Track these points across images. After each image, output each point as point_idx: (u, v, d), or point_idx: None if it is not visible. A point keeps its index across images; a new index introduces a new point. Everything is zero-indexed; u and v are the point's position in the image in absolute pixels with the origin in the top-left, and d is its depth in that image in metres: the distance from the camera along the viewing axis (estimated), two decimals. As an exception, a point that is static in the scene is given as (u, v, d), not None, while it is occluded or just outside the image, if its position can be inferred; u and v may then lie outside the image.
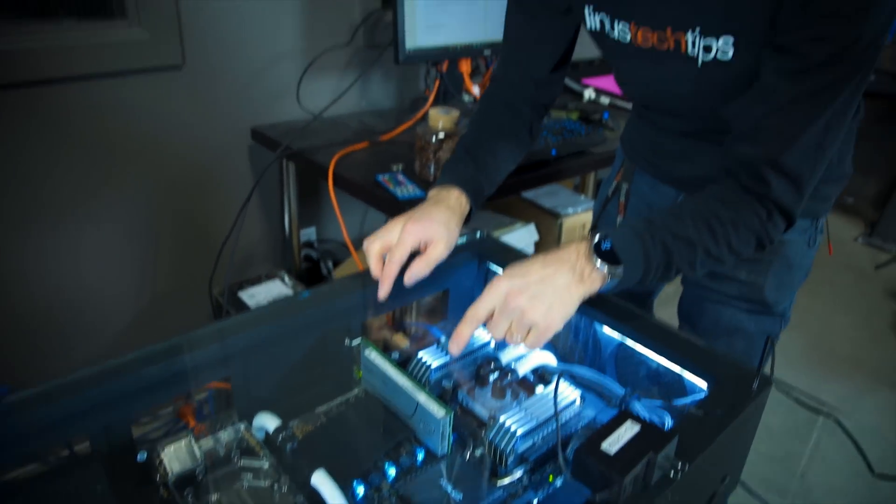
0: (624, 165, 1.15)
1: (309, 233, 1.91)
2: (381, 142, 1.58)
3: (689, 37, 0.79)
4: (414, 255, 0.79)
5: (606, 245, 0.70)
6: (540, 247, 1.83)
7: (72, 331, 1.59)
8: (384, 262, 0.79)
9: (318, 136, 1.58)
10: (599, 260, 0.69)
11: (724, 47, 0.77)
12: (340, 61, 1.76)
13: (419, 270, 0.79)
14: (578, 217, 1.86)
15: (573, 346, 0.85)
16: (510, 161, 1.02)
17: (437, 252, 0.80)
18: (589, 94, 2.00)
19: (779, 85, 0.73)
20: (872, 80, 0.77)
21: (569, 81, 2.04)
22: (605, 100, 1.99)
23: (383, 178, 1.38)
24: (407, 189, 1.34)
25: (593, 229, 1.25)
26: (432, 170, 1.37)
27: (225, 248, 1.53)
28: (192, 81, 1.55)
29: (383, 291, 0.78)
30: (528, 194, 1.92)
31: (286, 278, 1.59)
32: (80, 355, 1.61)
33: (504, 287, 0.67)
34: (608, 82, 2.09)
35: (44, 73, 1.36)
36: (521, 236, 1.81)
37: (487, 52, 1.65)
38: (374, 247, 0.80)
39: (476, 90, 1.68)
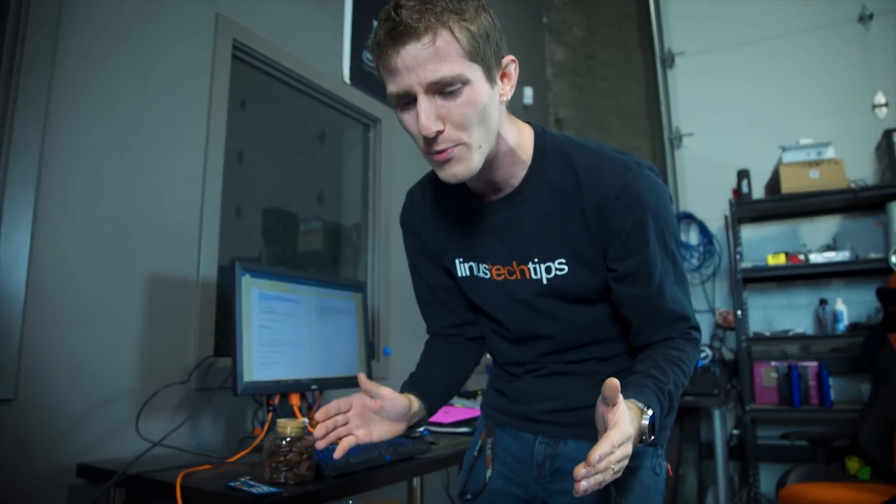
0: (486, 426, 1.36)
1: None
2: (225, 463, 1.63)
3: (531, 265, 1.15)
4: None
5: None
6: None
7: None
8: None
9: (155, 463, 1.58)
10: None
11: (559, 265, 1.13)
12: (173, 402, 1.85)
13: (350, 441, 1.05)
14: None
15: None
16: (452, 365, 1.36)
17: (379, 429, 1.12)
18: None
19: (643, 292, 1.11)
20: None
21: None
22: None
23: (235, 484, 1.42)
24: (261, 488, 1.39)
25: None
26: (283, 473, 1.46)
27: None
28: (20, 416, 1.52)
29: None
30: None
31: None
32: None
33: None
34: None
35: None
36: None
37: (314, 387, 1.90)
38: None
39: (305, 420, 1.86)
